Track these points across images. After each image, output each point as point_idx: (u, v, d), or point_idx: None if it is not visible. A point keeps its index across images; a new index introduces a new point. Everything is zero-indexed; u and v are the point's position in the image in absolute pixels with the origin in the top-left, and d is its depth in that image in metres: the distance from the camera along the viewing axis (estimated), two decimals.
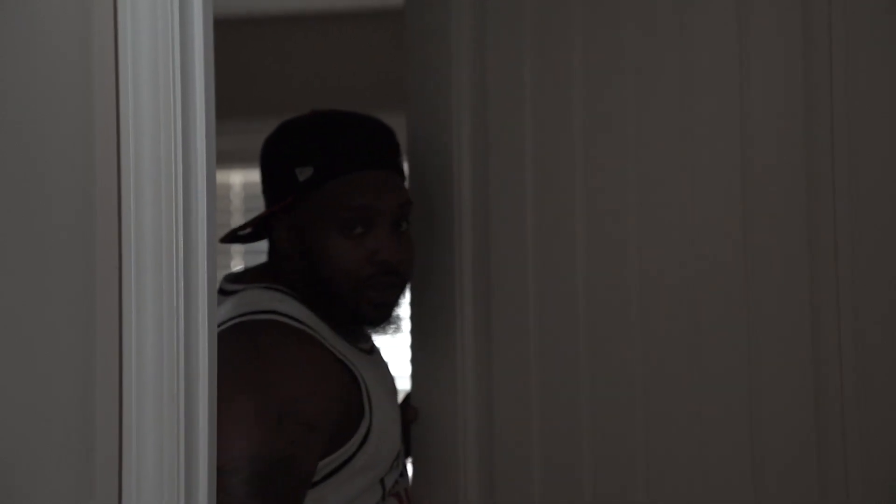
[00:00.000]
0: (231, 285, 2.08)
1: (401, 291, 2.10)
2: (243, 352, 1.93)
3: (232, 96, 4.05)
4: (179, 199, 1.37)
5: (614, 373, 2.23)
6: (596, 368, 2.24)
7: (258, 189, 2.16)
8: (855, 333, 2.10)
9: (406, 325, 2.22)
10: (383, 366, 2.18)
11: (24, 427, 1.31)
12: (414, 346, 2.35)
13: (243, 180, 4.67)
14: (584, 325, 2.24)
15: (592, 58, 2.25)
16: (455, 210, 2.31)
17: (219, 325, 1.93)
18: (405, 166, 2.15)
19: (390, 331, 2.12)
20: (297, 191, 2.03)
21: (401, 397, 2.29)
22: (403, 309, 2.13)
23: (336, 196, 2.02)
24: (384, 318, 2.09)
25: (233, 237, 2.11)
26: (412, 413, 2.29)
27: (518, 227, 2.28)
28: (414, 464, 2.31)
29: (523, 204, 2.28)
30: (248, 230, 2.11)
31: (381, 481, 2.04)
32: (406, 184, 2.16)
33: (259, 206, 2.15)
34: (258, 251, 3.02)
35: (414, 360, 2.35)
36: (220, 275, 1.88)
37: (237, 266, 4.62)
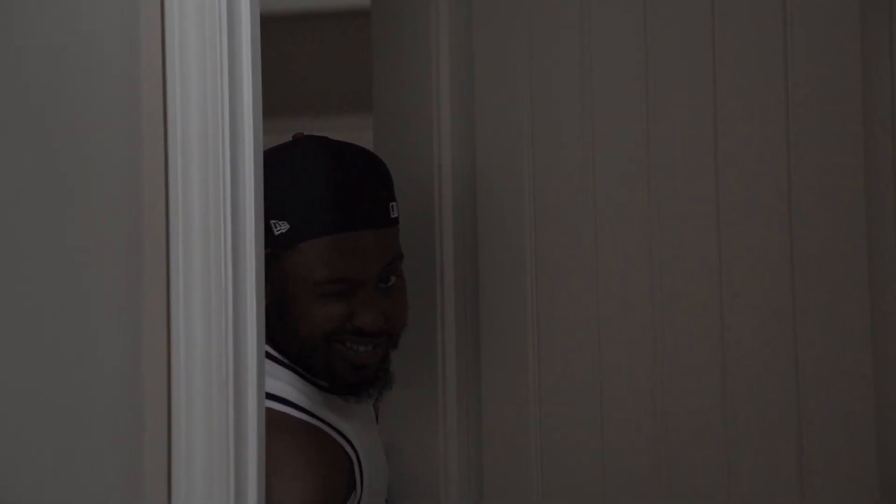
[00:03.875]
0: None
1: (385, 350, 1.90)
2: None
3: None
4: (227, 186, 1.37)
5: (631, 420, 2.12)
6: (609, 401, 2.12)
7: None
8: None
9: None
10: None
11: (71, 426, 1.30)
12: None
13: None
14: (592, 333, 2.12)
15: (595, 44, 2.09)
16: (437, 225, 2.19)
17: None
18: (395, 206, 1.92)
19: (384, 393, 1.93)
20: (273, 244, 1.85)
21: None
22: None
23: (312, 260, 1.85)
24: (366, 381, 1.89)
25: None
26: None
27: (512, 241, 2.16)
28: None
29: (520, 209, 2.14)
30: None
31: None
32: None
33: None
34: None
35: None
36: None
37: None
